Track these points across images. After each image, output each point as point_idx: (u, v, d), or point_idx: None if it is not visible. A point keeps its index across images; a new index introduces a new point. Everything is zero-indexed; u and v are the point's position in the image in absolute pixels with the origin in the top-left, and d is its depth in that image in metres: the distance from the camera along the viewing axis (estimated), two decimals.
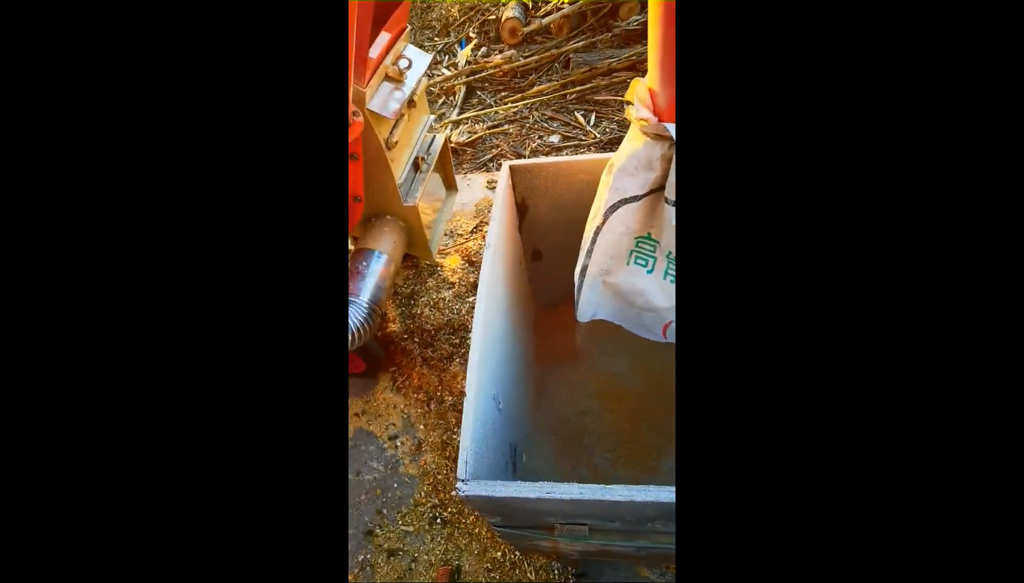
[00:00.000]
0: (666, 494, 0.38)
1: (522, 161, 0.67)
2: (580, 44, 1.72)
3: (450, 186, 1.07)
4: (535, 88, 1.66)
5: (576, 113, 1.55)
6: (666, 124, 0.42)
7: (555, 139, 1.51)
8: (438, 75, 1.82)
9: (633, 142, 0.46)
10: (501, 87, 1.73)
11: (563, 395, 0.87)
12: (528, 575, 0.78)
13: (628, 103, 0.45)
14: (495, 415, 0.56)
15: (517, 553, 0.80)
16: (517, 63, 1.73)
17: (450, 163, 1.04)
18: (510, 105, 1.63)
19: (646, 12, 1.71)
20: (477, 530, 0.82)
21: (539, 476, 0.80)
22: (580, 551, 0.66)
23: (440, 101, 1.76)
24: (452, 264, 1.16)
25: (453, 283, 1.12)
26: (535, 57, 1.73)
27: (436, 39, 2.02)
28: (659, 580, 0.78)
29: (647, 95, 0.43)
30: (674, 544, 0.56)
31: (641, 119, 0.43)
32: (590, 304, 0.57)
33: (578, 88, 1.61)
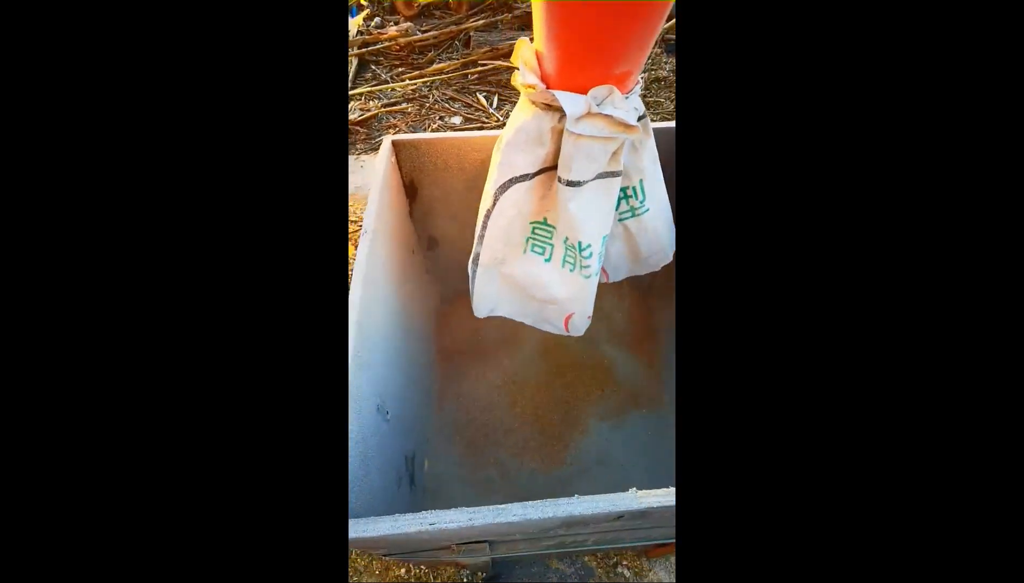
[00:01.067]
0: (563, 507, 0.34)
1: (407, 136, 0.59)
2: (481, 22, 1.65)
3: None
4: (434, 66, 1.56)
5: (478, 94, 1.48)
6: (555, 92, 0.37)
7: (456, 120, 1.43)
8: None
9: (522, 112, 0.41)
10: (398, 62, 1.61)
11: (467, 392, 0.81)
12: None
13: (515, 68, 0.40)
14: (381, 429, 0.48)
15: (423, 566, 0.73)
16: (414, 37, 1.62)
17: None
18: (408, 82, 1.52)
19: None
20: None
21: (442, 482, 0.74)
22: (486, 560, 0.61)
23: None
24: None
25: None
26: (433, 33, 1.63)
27: None
28: (569, 570, 0.76)
29: (533, 58, 0.37)
30: (581, 541, 0.54)
31: (527, 85, 0.38)
32: (486, 298, 0.52)
33: (479, 68, 1.54)
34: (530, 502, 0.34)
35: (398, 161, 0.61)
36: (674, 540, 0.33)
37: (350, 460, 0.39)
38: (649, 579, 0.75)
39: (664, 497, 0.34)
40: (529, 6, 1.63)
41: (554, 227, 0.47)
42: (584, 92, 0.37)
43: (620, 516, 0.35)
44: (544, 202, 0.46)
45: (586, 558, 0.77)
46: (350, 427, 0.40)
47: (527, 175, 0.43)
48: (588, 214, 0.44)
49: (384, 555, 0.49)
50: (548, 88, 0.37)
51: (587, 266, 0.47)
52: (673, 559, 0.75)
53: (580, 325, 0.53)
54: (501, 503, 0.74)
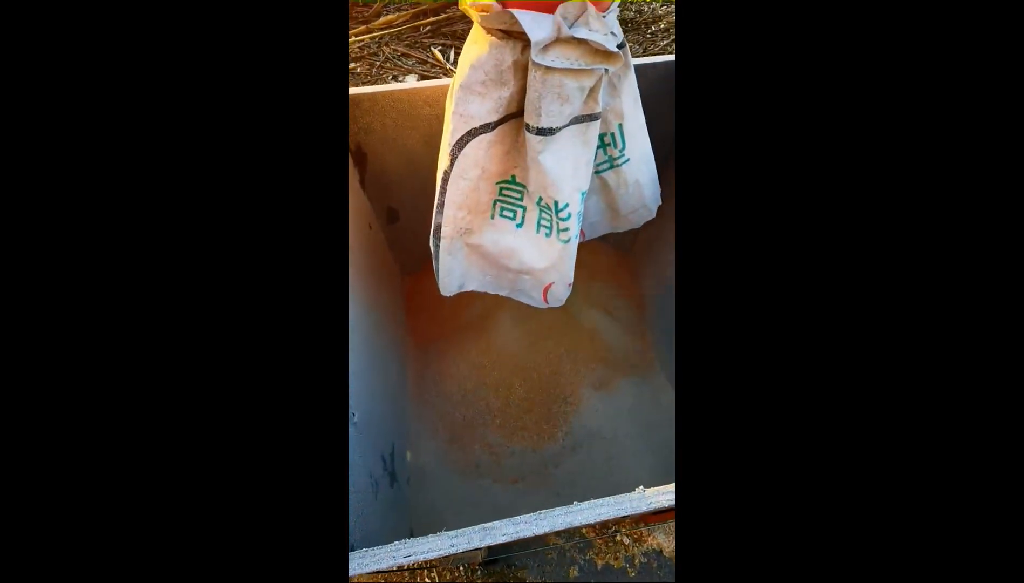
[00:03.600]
0: (561, 518, 0.29)
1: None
2: None
3: None
4: (382, 18, 1.42)
5: (433, 49, 1.36)
6: (515, 11, 0.29)
7: (412, 79, 1.31)
8: None
9: (476, 46, 0.33)
10: None
11: (448, 374, 0.76)
12: (429, 578, 0.69)
13: None
14: (348, 434, 0.42)
15: None
16: None
17: None
18: (354, 39, 1.38)
19: None
20: None
21: (427, 472, 0.69)
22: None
23: None
24: None
25: None
26: None
27: None
28: (568, 543, 0.74)
29: None
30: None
31: (479, 7, 0.30)
32: (453, 274, 0.45)
33: (432, 19, 1.40)
34: (523, 518, 0.28)
35: None
36: (673, 505, 0.30)
37: None
38: (648, 544, 0.74)
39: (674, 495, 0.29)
40: None
41: (524, 186, 0.40)
42: (551, 11, 0.29)
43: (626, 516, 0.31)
44: (511, 157, 0.39)
45: (583, 530, 0.75)
46: None
47: (488, 125, 0.35)
48: (563, 167, 0.37)
49: None
50: (505, 7, 0.30)
51: (565, 229, 0.40)
52: (672, 524, 0.74)
53: (561, 295, 0.47)
54: (490, 485, 0.70)
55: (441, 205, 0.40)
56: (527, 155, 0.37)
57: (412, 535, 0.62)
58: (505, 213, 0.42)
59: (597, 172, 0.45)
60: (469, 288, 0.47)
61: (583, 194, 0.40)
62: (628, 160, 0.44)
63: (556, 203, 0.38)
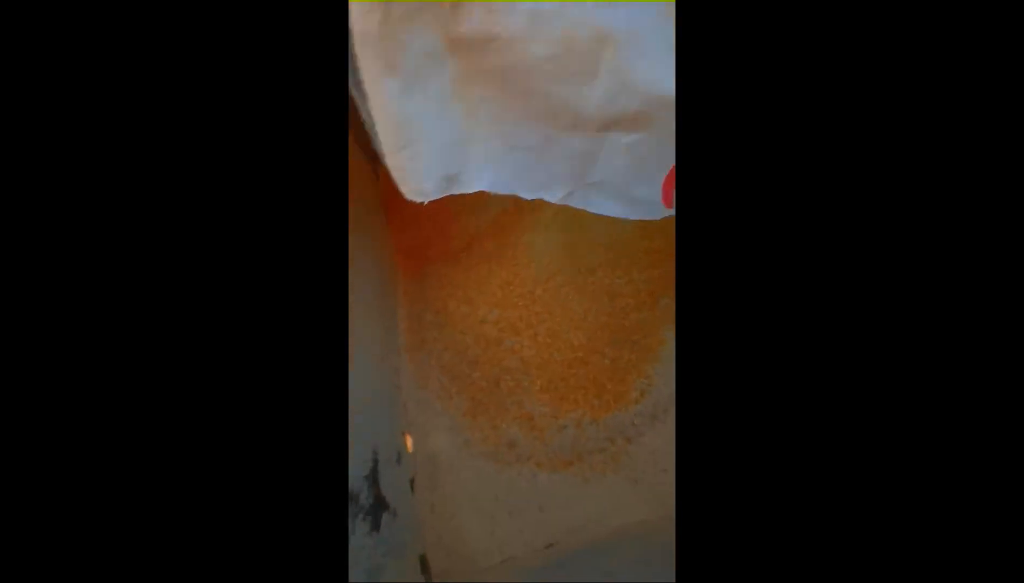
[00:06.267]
0: None
1: None
2: None
3: None
4: None
5: None
6: None
7: None
8: None
9: None
10: None
11: (458, 315, 0.51)
12: None
13: None
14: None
15: None
16: None
17: None
18: None
19: None
20: None
21: (441, 461, 0.48)
22: None
23: None
24: None
25: None
26: None
27: None
28: None
29: None
30: None
31: None
32: (428, 151, 0.16)
33: None
34: None
35: None
36: None
37: None
38: None
39: None
40: None
41: None
42: None
43: None
44: None
45: None
46: None
47: None
48: None
49: None
50: None
51: None
52: None
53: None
54: (532, 473, 0.48)
55: None
56: None
57: (424, 561, 0.42)
58: None
59: None
60: (474, 188, 0.19)
61: None
62: None
63: None
